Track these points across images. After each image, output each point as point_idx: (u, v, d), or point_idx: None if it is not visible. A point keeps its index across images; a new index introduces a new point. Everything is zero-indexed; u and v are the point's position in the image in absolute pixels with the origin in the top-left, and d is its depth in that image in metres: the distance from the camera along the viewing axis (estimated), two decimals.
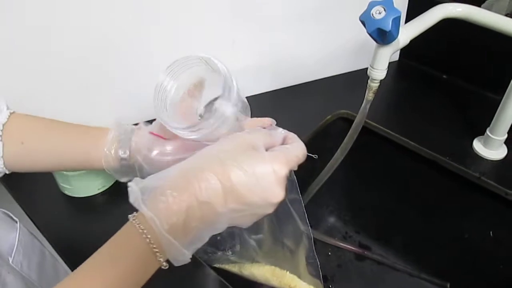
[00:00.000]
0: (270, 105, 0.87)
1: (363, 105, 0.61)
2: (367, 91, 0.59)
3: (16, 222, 0.62)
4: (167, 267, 0.36)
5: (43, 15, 0.65)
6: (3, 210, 0.62)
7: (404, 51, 0.95)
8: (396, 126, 0.80)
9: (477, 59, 0.85)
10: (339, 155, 0.69)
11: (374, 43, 0.56)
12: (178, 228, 0.34)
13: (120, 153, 0.49)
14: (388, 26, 0.48)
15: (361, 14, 0.50)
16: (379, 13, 0.48)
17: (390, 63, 1.02)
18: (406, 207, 0.90)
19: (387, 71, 0.58)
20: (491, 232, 0.76)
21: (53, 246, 0.63)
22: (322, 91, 0.90)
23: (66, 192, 0.70)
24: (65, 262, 0.62)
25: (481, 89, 0.86)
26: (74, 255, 0.59)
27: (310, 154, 0.77)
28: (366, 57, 0.59)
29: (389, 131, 0.79)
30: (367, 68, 0.58)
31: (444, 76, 0.92)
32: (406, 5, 0.89)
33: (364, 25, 0.50)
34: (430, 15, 0.62)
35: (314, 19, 0.82)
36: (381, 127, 0.80)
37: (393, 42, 0.53)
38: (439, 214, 0.84)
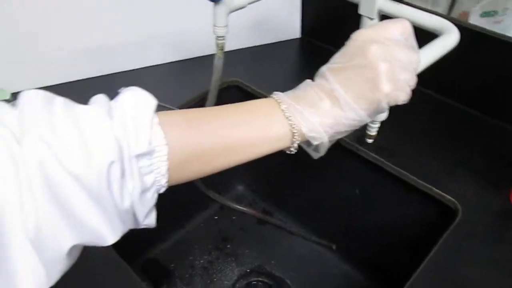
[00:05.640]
0: (169, 75, 0.94)
1: (215, 60, 0.68)
2: (216, 48, 0.66)
3: None
4: (293, 152, 0.40)
5: None
6: None
7: (304, 29, 1.02)
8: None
9: None
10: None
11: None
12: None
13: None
14: None
15: None
16: None
17: (292, 40, 1.09)
18: (300, 173, 0.96)
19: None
20: (357, 190, 0.83)
21: None
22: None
23: None
24: None
25: None
26: None
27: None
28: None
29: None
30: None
31: None
32: None
33: None
34: None
35: None
36: (265, 94, 0.86)
37: (226, 1, 0.60)
38: (325, 177, 0.90)
